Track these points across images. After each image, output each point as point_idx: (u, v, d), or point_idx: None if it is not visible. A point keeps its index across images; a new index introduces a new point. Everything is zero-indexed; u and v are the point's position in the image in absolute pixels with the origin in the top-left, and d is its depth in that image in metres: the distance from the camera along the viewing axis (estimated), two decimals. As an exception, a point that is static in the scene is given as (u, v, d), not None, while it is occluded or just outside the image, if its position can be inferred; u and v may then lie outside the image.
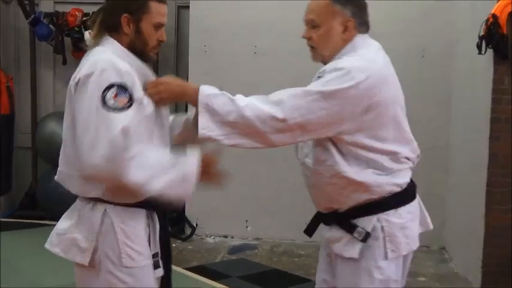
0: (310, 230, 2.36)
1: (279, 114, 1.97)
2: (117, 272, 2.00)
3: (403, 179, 2.15)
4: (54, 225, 2.19)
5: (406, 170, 2.18)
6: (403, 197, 2.15)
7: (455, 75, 5.31)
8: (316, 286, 2.43)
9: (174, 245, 5.49)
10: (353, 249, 2.10)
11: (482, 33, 4.24)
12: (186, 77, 5.85)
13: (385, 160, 2.09)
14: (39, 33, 6.32)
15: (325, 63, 2.17)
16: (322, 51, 2.18)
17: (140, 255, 2.04)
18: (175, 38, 6.41)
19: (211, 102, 1.98)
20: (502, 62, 4.24)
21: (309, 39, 2.19)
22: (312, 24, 2.17)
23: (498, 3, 4.22)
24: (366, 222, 2.10)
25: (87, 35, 6.94)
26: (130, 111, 1.90)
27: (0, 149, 5.98)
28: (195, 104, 2.00)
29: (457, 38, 5.24)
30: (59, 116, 6.24)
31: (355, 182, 2.07)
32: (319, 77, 2.08)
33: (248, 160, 5.17)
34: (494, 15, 4.19)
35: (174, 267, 4.84)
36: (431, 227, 2.37)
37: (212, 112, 1.97)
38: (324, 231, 2.27)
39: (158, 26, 2.07)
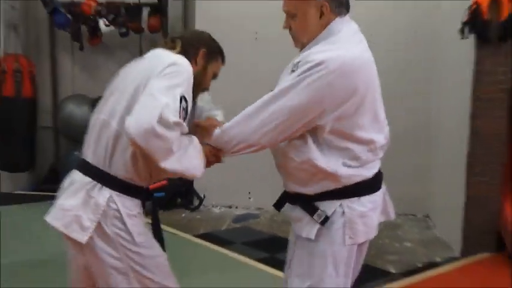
0: (278, 205, 2.21)
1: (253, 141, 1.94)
2: (133, 247, 2.04)
3: (372, 170, 1.99)
4: None
5: (377, 160, 2.02)
6: (367, 187, 1.99)
7: (441, 57, 5.27)
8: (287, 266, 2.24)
9: (183, 214, 5.54)
10: (311, 230, 1.96)
11: (465, 19, 4.22)
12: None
13: (362, 150, 1.94)
14: (57, 22, 6.29)
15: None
16: (302, 39, 2.00)
17: (146, 233, 2.13)
18: (182, 27, 6.38)
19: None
20: (483, 46, 4.21)
21: (289, 29, 2.02)
22: (289, 15, 1.99)
23: (481, -9, 4.19)
24: (328, 206, 1.95)
25: (101, 23, 6.96)
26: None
27: (25, 129, 6.00)
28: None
29: (444, 23, 5.19)
30: (78, 97, 6.35)
31: (325, 172, 1.91)
32: (293, 70, 1.92)
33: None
34: (477, 2, 4.16)
35: (183, 234, 4.92)
36: (392, 216, 2.18)
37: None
38: (289, 210, 2.13)
39: (214, 76, 2.22)
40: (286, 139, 1.93)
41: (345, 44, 1.91)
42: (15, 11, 5.93)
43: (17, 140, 5.91)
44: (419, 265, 4.20)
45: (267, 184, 5.69)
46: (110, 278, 2.06)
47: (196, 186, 5.75)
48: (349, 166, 1.93)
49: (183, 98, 1.89)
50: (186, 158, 1.92)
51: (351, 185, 1.95)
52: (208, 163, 2.07)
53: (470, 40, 4.26)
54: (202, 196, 5.74)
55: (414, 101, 5.47)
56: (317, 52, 1.87)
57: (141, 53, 6.16)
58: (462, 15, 4.23)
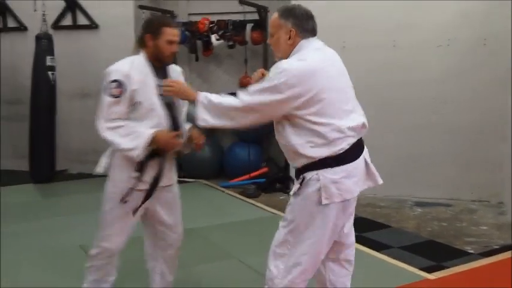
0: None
1: (239, 104, 2.22)
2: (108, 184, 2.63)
3: (338, 147, 2.18)
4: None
5: (344, 139, 2.20)
6: (338, 159, 2.18)
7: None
8: None
9: (281, 197, 5.53)
10: (294, 188, 2.26)
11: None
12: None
13: (327, 131, 2.16)
14: (178, 38, 6.50)
15: None
16: (277, 53, 2.34)
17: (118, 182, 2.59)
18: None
19: (206, 100, 2.29)
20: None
21: (270, 45, 2.37)
22: (270, 35, 2.34)
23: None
24: (309, 175, 2.20)
25: (213, 38, 7.09)
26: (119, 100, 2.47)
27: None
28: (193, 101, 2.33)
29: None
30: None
31: (299, 153, 2.21)
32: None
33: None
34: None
35: (282, 213, 4.89)
36: (380, 182, 2.38)
37: (206, 107, 2.28)
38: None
39: (170, 42, 2.53)
40: (260, 122, 2.27)
41: (304, 57, 2.20)
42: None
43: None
44: (496, 247, 3.93)
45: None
46: None
47: (291, 173, 5.73)
48: (316, 146, 2.17)
49: (113, 83, 2.45)
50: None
51: (323, 158, 2.17)
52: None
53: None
54: (297, 182, 5.71)
55: (488, 100, 5.13)
56: (285, 62, 2.21)
57: (246, 61, 6.25)
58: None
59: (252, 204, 5.26)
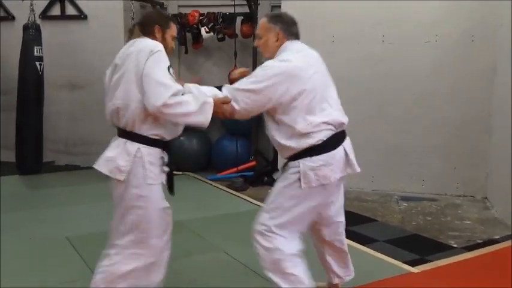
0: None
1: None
2: (142, 187, 2.38)
3: (315, 139, 2.43)
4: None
5: (321, 132, 2.44)
6: (316, 149, 2.44)
7: (500, 55, 4.95)
8: None
9: (269, 191, 5.51)
10: (278, 174, 2.55)
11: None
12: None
13: (303, 127, 2.40)
14: (167, 30, 6.47)
15: None
16: (264, 54, 2.62)
17: (156, 178, 2.42)
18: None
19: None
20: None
21: (258, 46, 2.63)
22: (258, 37, 2.61)
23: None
24: (291, 163, 2.50)
25: (203, 30, 7.06)
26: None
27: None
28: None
29: (502, 23, 4.87)
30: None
31: (282, 145, 2.48)
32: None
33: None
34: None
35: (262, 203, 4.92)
36: (357, 170, 2.58)
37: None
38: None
39: (173, 38, 2.58)
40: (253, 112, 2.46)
41: (287, 58, 2.45)
42: (134, 21, 6.15)
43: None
44: (479, 241, 3.99)
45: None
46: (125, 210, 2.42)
47: (279, 166, 5.75)
48: (295, 138, 2.43)
49: (169, 68, 2.39)
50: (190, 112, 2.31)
51: (304, 150, 2.44)
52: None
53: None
54: (285, 176, 5.73)
55: (473, 93, 5.20)
56: (270, 61, 2.47)
57: (235, 54, 6.25)
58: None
59: (239, 197, 5.29)
